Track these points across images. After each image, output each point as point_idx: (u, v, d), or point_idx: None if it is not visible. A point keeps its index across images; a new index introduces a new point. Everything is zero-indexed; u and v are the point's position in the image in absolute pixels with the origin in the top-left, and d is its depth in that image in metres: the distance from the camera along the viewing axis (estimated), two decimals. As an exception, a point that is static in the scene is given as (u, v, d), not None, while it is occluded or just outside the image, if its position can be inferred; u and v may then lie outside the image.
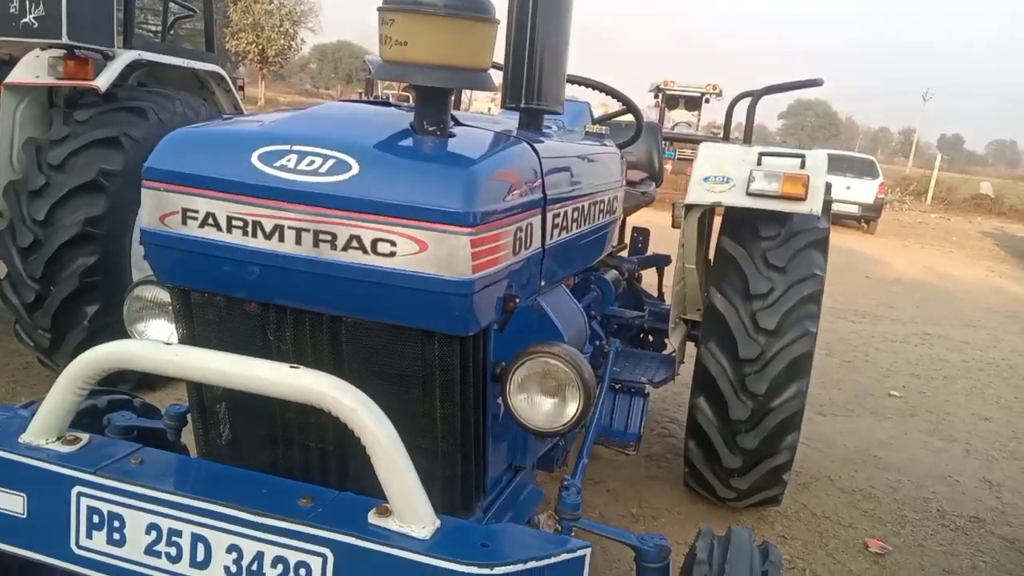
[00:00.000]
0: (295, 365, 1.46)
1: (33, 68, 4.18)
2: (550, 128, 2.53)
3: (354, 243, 1.51)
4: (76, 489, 1.51)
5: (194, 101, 4.80)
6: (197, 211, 1.60)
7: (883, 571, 3.66)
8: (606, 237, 2.72)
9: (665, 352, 4.04)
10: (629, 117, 3.41)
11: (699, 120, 21.64)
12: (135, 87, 4.47)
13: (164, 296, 1.92)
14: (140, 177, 4.40)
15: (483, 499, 1.89)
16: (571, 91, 3.08)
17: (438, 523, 1.41)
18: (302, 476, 1.77)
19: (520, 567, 1.34)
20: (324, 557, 1.38)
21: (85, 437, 1.63)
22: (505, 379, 1.72)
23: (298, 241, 1.54)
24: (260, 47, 44.75)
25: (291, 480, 1.62)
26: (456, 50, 1.57)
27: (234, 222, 1.58)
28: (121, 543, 1.50)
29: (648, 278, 4.84)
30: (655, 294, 4.68)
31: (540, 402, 1.72)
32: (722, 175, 3.52)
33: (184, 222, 1.62)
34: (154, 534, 1.47)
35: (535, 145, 1.91)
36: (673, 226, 4.09)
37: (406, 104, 2.09)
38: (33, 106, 4.39)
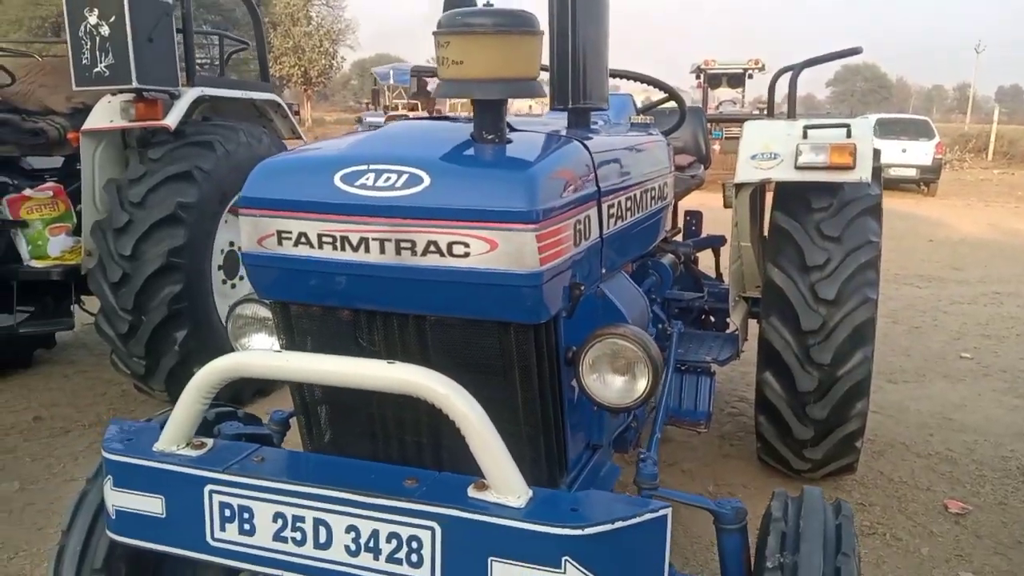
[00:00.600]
0: (391, 361, 1.62)
1: (107, 113, 4.47)
2: (597, 123, 2.65)
3: (431, 248, 1.67)
4: (208, 487, 1.70)
5: (255, 130, 5.05)
6: (290, 232, 1.78)
7: (964, 531, 3.68)
8: (660, 223, 2.84)
9: (728, 331, 4.12)
10: (672, 103, 3.52)
11: (744, 96, 21.45)
12: (200, 122, 4.73)
13: (263, 312, 2.10)
14: (214, 206, 4.63)
15: (566, 476, 2.03)
16: (613, 83, 3.20)
17: (530, 493, 1.55)
18: (399, 463, 1.94)
19: (608, 527, 1.48)
20: (432, 530, 1.54)
21: (210, 442, 1.82)
22: (577, 362, 1.85)
23: (382, 251, 1.71)
24: (303, 69, 45.73)
25: (394, 465, 1.78)
26: (507, 63, 1.71)
27: (324, 239, 1.74)
28: (251, 533, 1.68)
29: (706, 260, 4.92)
30: (713, 275, 4.76)
31: (611, 380, 1.85)
32: (769, 151, 3.59)
33: (279, 243, 1.80)
34: (280, 522, 1.65)
35: (585, 142, 2.04)
36: (725, 206, 4.17)
37: (464, 116, 2.24)
38: (109, 148, 4.69)
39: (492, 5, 1.76)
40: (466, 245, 1.65)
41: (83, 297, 4.95)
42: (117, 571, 2.08)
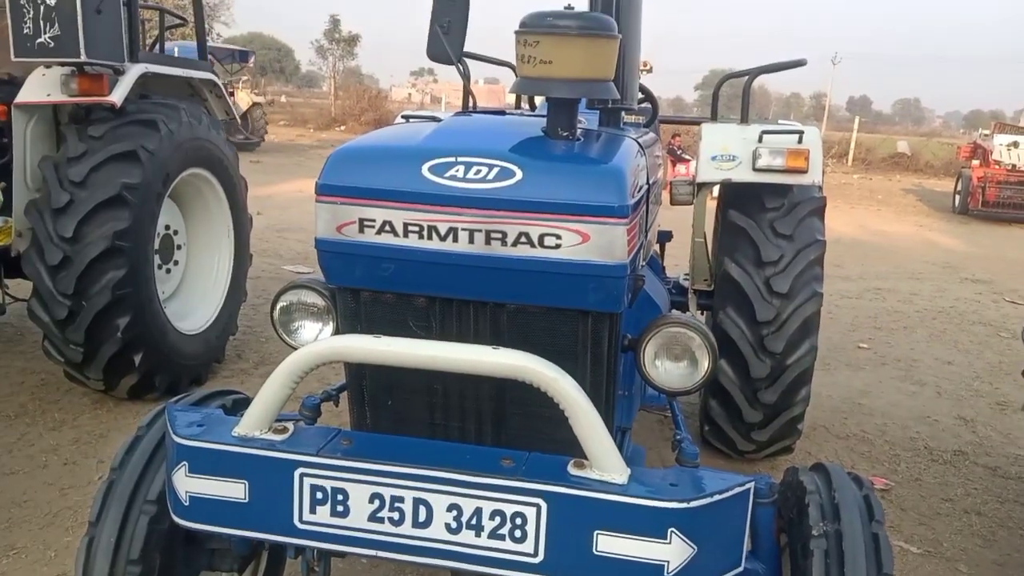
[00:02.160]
0: (496, 347, 1.68)
1: (43, 86, 4.22)
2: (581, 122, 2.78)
3: (523, 239, 1.74)
4: (299, 471, 1.70)
5: (195, 109, 4.88)
6: (374, 220, 1.80)
7: (890, 505, 4.04)
8: (657, 218, 3.00)
9: None
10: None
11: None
12: (141, 100, 4.53)
13: (310, 297, 2.10)
14: (158, 187, 4.46)
15: None
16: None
17: (629, 471, 1.66)
18: (459, 441, 2.00)
19: (708, 500, 1.60)
20: (538, 507, 1.61)
21: (291, 426, 1.81)
22: (638, 350, 1.96)
23: (471, 241, 1.76)
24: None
25: (486, 446, 1.84)
26: (591, 65, 1.80)
27: (410, 228, 1.78)
28: (345, 514, 1.70)
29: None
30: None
31: (671, 367, 1.98)
32: (728, 153, 3.82)
33: (361, 230, 1.81)
34: (377, 503, 1.68)
35: (638, 141, 2.16)
36: (672, 203, 4.39)
37: (516, 111, 2.31)
38: (41, 124, 4.42)
39: (572, 8, 1.84)
40: (558, 237, 1.73)
41: (5, 281, 4.63)
42: (152, 561, 2.04)
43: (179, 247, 5.05)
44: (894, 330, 7.43)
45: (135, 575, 2.00)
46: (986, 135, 18.73)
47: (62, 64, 4.12)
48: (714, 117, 4.82)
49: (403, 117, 4.06)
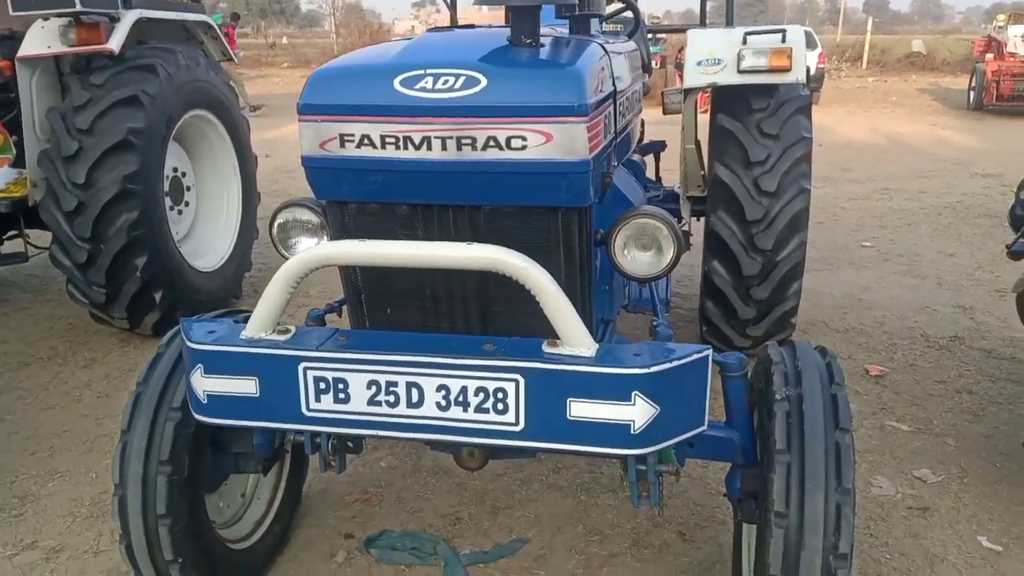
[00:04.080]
0: (470, 243, 1.84)
1: (43, 39, 4.34)
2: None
3: (491, 143, 1.87)
4: (303, 365, 1.89)
5: (192, 52, 4.99)
6: (353, 135, 1.94)
7: (885, 389, 4.22)
8: (638, 124, 3.11)
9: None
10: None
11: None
12: (137, 45, 4.64)
13: (306, 215, 2.26)
14: (162, 130, 4.61)
15: None
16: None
17: (596, 346, 1.82)
18: (449, 332, 2.18)
19: (668, 366, 1.77)
20: (516, 381, 1.79)
21: (293, 327, 2.00)
22: (609, 241, 2.11)
23: (443, 148, 1.90)
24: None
25: (469, 335, 2.02)
26: (546, -28, 1.91)
27: (387, 139, 1.92)
28: (346, 401, 1.89)
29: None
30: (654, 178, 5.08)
31: (640, 256, 2.13)
32: (713, 57, 3.88)
33: (342, 145, 1.95)
34: (374, 388, 1.87)
35: (603, 45, 2.27)
36: (664, 113, 4.48)
37: (485, 25, 2.42)
38: (44, 76, 4.55)
39: None
40: (523, 139, 1.86)
41: (27, 231, 4.84)
42: (181, 462, 2.26)
43: (188, 188, 5.21)
44: (898, 228, 7.50)
45: (166, 474, 2.23)
46: (1001, 27, 18.26)
47: (59, 15, 4.23)
48: (703, 23, 4.86)
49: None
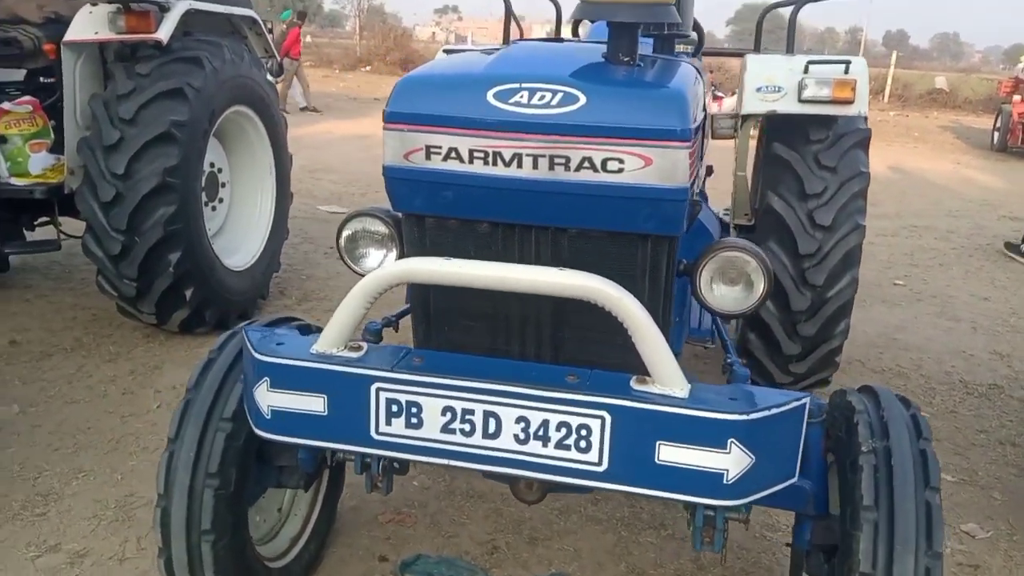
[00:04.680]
0: (561, 268, 1.75)
1: (91, 24, 4.26)
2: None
3: (586, 164, 1.79)
4: (376, 386, 1.80)
5: (238, 47, 4.92)
6: (440, 147, 1.85)
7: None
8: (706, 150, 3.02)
9: None
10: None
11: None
12: (184, 37, 4.57)
13: (376, 225, 2.17)
14: (204, 125, 4.54)
15: None
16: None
17: (689, 385, 1.73)
18: (518, 358, 2.09)
19: (766, 413, 1.68)
20: (603, 419, 1.70)
21: (365, 344, 1.91)
22: (694, 273, 2.02)
23: (535, 166, 1.81)
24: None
25: (551, 364, 1.92)
26: (656, -11, 1.82)
27: (476, 154, 1.83)
28: (418, 426, 1.80)
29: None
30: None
31: (726, 291, 2.04)
32: (773, 84, 3.79)
33: (428, 157, 1.87)
34: (449, 415, 1.78)
35: (696, 67, 2.18)
36: (713, 137, 4.39)
37: (575, 39, 2.33)
38: (89, 62, 4.47)
39: None
40: (620, 161, 1.78)
41: (59, 218, 4.76)
42: (228, 476, 2.17)
43: (223, 185, 5.14)
44: (930, 267, 7.40)
45: (213, 487, 2.13)
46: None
47: (108, 1, 4.16)
48: (757, 48, 4.77)
49: (444, 51, 4.08)
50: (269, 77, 5.32)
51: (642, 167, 1.77)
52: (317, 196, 9.11)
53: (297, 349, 1.90)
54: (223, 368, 2.24)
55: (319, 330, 2.58)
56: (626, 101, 1.81)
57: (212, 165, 4.94)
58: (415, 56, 31.42)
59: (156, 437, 3.63)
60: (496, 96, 1.83)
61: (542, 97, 1.81)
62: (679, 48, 3.25)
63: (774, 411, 1.69)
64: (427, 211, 1.99)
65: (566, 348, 2.08)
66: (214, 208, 5.06)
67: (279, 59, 17.05)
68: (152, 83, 4.23)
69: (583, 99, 1.79)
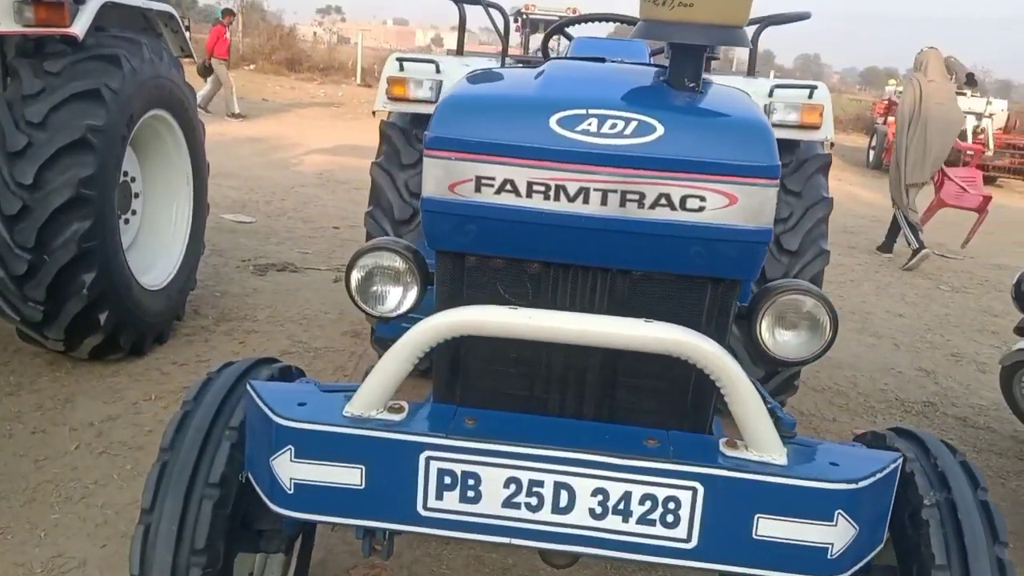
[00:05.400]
0: (648, 320, 1.55)
1: (-8, 15, 3.75)
2: None
3: (662, 201, 1.60)
4: (425, 454, 1.54)
5: (156, 45, 4.48)
6: (493, 178, 1.62)
7: (876, 456, 4.15)
8: None
9: None
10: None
11: (558, 45, 21.77)
12: (97, 33, 4.10)
13: (391, 260, 1.90)
14: (122, 130, 4.10)
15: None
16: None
17: (787, 450, 1.57)
18: (558, 415, 1.88)
19: (872, 479, 1.54)
20: (693, 490, 1.51)
21: (406, 404, 1.64)
22: (754, 319, 1.86)
23: (603, 202, 1.61)
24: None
25: (625, 425, 1.71)
26: (732, 8, 1.66)
27: (535, 187, 1.61)
28: (476, 500, 1.55)
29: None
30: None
31: (788, 337, 1.89)
32: None
33: (478, 189, 1.63)
34: (513, 487, 1.54)
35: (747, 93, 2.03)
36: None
37: (616, 60, 2.14)
38: (-15, 57, 3.95)
39: None
40: (702, 199, 1.60)
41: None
42: (216, 551, 1.86)
43: (136, 195, 4.66)
44: (842, 283, 7.62)
45: (200, 566, 1.82)
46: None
47: (25, -11, 3.67)
48: (751, 72, 4.72)
49: (397, 60, 3.81)
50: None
51: (725, 206, 1.60)
52: (220, 204, 8.53)
53: (326, 412, 1.61)
54: (204, 424, 1.91)
55: (299, 372, 2.30)
56: (709, 133, 1.64)
57: (125, 174, 4.47)
58: (301, 56, 30.51)
59: (79, 484, 3.20)
60: (560, 123, 1.62)
61: (613, 125, 1.61)
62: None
63: (878, 476, 1.55)
64: (472, 249, 1.75)
65: (612, 399, 1.88)
66: (127, 221, 4.58)
67: (206, 59, 16.12)
68: (65, 83, 3.76)
69: (660, 129, 1.61)
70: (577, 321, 1.54)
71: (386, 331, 2.49)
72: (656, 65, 2.20)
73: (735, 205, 1.60)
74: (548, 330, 1.53)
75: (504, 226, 1.66)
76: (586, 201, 1.61)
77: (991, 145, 16.97)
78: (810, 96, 3.74)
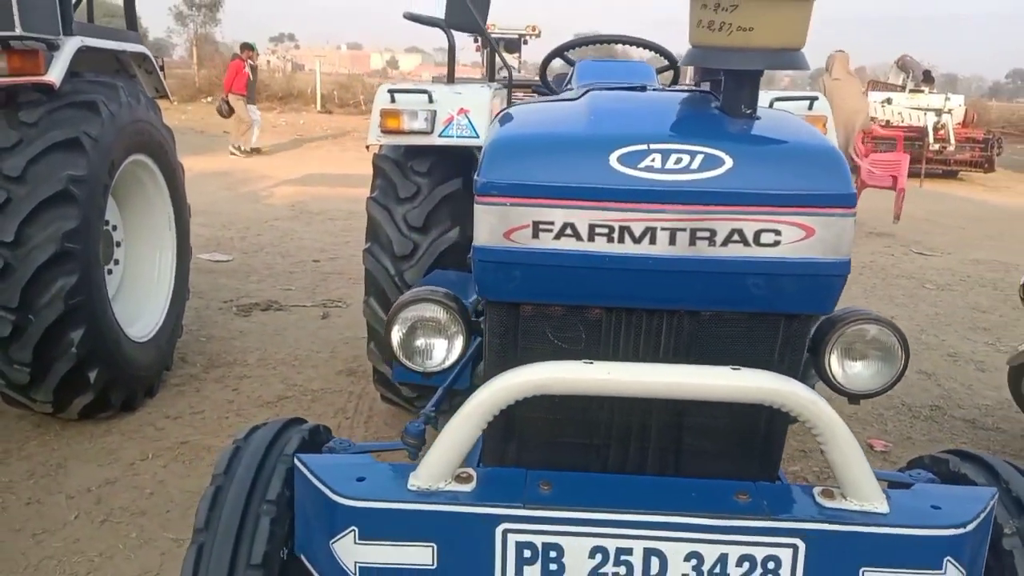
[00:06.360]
0: (736, 368, 1.45)
1: (-40, 65, 3.58)
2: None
3: (735, 237, 1.51)
4: (503, 527, 1.43)
5: (133, 88, 4.33)
6: (552, 223, 1.52)
7: (893, 465, 4.09)
8: None
9: None
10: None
11: (519, 62, 21.80)
12: (73, 78, 3.94)
13: (435, 312, 1.78)
14: (104, 179, 3.94)
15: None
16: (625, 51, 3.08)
17: (887, 497, 1.48)
18: (617, 471, 1.77)
19: (978, 521, 1.45)
20: (794, 547, 1.41)
21: (474, 472, 1.52)
22: (822, 352, 1.77)
23: (671, 242, 1.52)
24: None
25: (708, 479, 1.61)
26: (792, 32, 1.58)
27: (598, 230, 1.51)
28: (559, 573, 1.44)
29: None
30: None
31: (860, 367, 1.80)
32: None
33: (535, 235, 1.53)
34: (599, 557, 1.43)
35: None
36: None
37: (660, 86, 2.05)
38: (-46, 109, 3.77)
39: None
40: (777, 233, 1.52)
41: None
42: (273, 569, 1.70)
43: (118, 244, 4.50)
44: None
45: None
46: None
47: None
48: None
49: (388, 91, 3.69)
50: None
51: (802, 239, 1.52)
52: (193, 243, 8.29)
53: (390, 487, 1.49)
54: (239, 499, 1.75)
55: (327, 431, 2.16)
56: (781, 163, 1.55)
57: (107, 223, 4.29)
58: (259, 86, 30.23)
59: (84, 558, 3.01)
60: (621, 160, 1.52)
61: (679, 160, 1.52)
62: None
63: (982, 516, 1.47)
64: (529, 298, 1.64)
65: (678, 451, 1.78)
66: (110, 271, 4.40)
67: (224, 97, 15.82)
68: (42, 133, 3.59)
69: (729, 162, 1.52)
70: (665, 374, 1.44)
71: (405, 375, 2.37)
72: (692, 90, 2.11)
73: (812, 237, 1.52)
74: (634, 385, 1.42)
75: (565, 272, 1.56)
76: (653, 241, 1.52)
77: (952, 140, 17.28)
78: (810, 108, 3.71)
